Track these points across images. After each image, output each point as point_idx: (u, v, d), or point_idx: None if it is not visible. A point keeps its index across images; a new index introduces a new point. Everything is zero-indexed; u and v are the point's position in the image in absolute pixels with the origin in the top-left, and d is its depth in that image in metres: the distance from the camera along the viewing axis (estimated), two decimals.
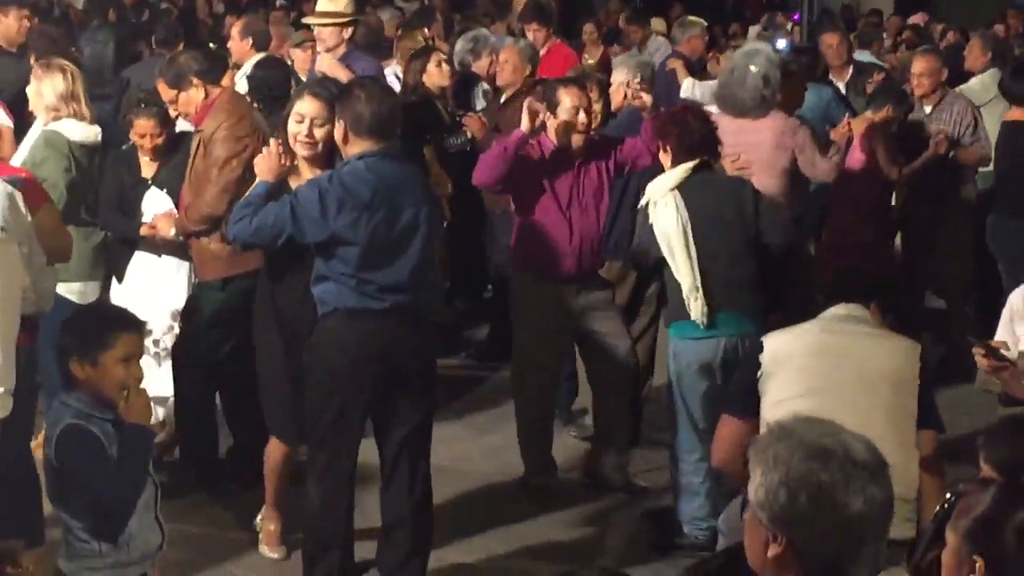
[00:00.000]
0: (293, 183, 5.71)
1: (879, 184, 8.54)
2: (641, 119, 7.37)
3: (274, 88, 7.68)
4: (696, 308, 6.06)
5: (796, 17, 15.40)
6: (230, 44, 9.78)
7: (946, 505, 3.62)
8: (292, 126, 5.74)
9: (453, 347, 9.00)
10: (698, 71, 10.51)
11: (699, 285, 6.06)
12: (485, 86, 9.60)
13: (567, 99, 6.53)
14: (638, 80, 7.58)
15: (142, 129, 6.89)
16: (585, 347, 6.84)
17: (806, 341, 4.89)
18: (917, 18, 15.10)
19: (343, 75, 8.41)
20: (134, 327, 4.63)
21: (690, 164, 6.18)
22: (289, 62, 9.49)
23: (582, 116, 6.52)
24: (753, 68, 7.40)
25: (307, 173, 5.74)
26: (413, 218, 5.46)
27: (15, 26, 9.16)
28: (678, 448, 6.26)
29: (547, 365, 6.82)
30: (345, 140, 5.45)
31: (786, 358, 4.83)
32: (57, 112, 6.88)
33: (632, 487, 6.89)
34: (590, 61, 10.91)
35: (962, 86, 9.53)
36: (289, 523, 6.09)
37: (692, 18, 12.27)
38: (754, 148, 7.36)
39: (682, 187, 6.17)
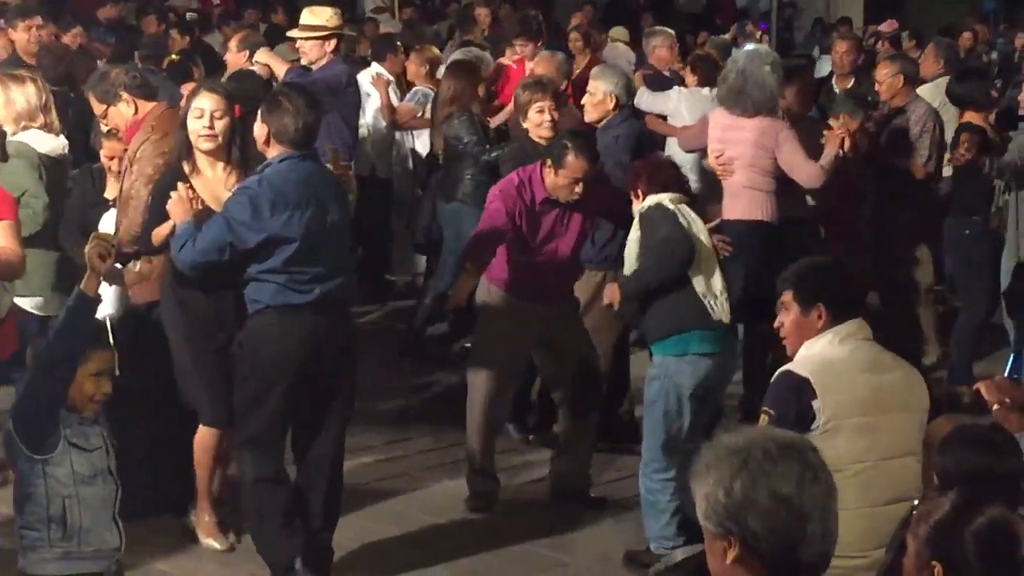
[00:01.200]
0: (195, 181, 5.82)
1: (849, 194, 8.41)
2: (631, 130, 7.53)
3: (254, 98, 7.64)
4: (722, 307, 5.99)
5: (763, 26, 15.51)
6: (227, 56, 9.87)
7: (913, 512, 3.66)
8: (192, 123, 5.86)
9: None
10: (675, 81, 10.38)
11: (725, 284, 6.02)
12: None
13: (575, 165, 6.42)
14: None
15: (110, 151, 6.79)
16: (549, 358, 6.83)
17: (859, 397, 4.69)
18: (886, 25, 15.18)
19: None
20: (108, 345, 4.68)
21: (675, 195, 6.10)
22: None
23: (579, 188, 6.46)
24: (767, 68, 7.48)
25: (207, 169, 5.90)
26: (337, 213, 5.68)
27: (25, 36, 9.15)
28: (648, 466, 6.16)
29: (501, 374, 6.73)
30: (266, 143, 5.61)
31: (848, 415, 4.67)
32: (29, 122, 6.77)
33: (589, 498, 6.86)
34: (577, 71, 10.88)
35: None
36: (231, 514, 6.04)
37: (658, 28, 12.19)
38: (737, 146, 7.47)
39: None
